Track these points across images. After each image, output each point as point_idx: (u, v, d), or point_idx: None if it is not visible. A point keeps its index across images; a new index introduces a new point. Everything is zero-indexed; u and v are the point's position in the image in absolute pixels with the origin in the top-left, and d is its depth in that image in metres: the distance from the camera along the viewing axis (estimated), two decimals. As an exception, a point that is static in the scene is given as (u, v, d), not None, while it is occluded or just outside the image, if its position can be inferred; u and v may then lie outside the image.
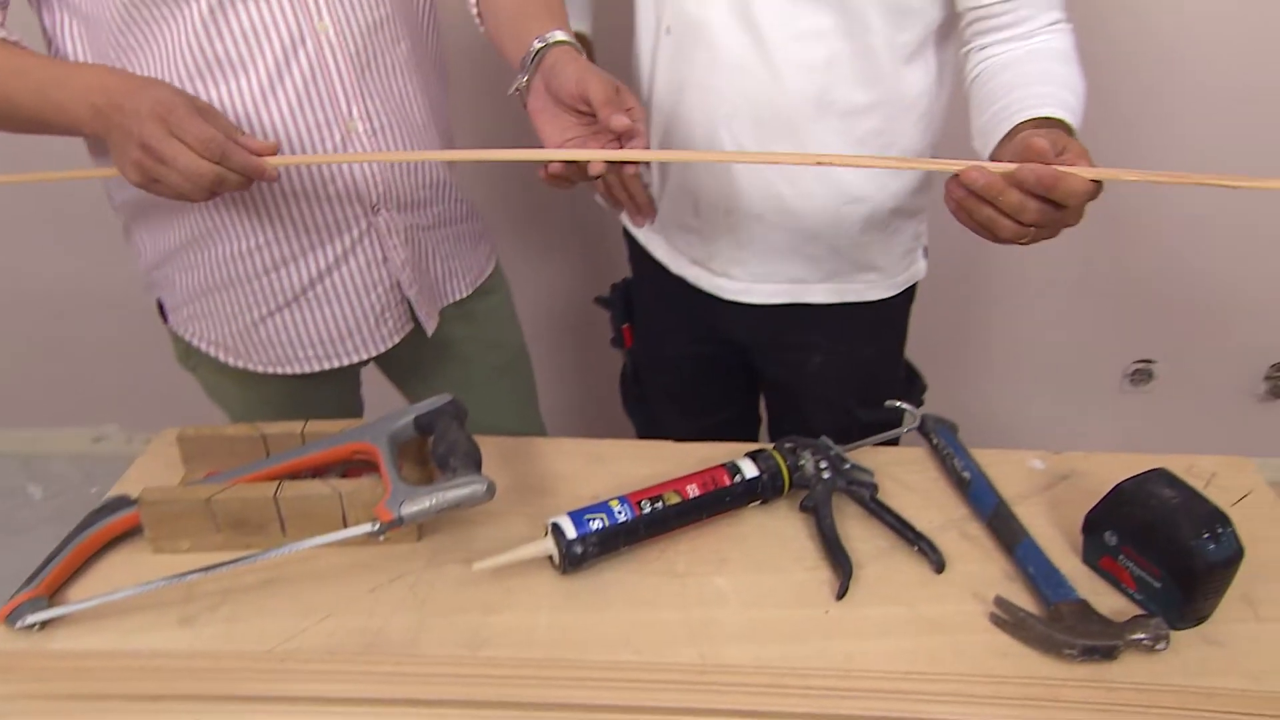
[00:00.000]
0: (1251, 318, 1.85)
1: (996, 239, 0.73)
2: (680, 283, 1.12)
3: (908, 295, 1.14)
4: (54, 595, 0.79)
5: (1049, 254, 1.79)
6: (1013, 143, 0.76)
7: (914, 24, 0.92)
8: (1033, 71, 0.85)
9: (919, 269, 1.13)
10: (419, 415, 0.88)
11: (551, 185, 0.83)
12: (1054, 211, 0.70)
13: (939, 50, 0.96)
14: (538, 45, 0.83)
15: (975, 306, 1.90)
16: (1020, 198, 0.69)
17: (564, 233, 1.87)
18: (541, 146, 0.83)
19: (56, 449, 2.18)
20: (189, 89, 0.84)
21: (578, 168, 0.81)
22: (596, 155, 0.79)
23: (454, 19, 1.06)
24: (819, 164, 0.81)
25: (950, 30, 0.96)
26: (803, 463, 0.89)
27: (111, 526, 0.84)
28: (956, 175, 0.71)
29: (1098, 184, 0.70)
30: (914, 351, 1.24)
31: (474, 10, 0.99)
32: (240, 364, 1.02)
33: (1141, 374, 1.94)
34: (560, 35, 0.83)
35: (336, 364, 1.02)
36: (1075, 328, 1.90)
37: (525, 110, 0.86)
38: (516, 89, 0.86)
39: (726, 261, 1.07)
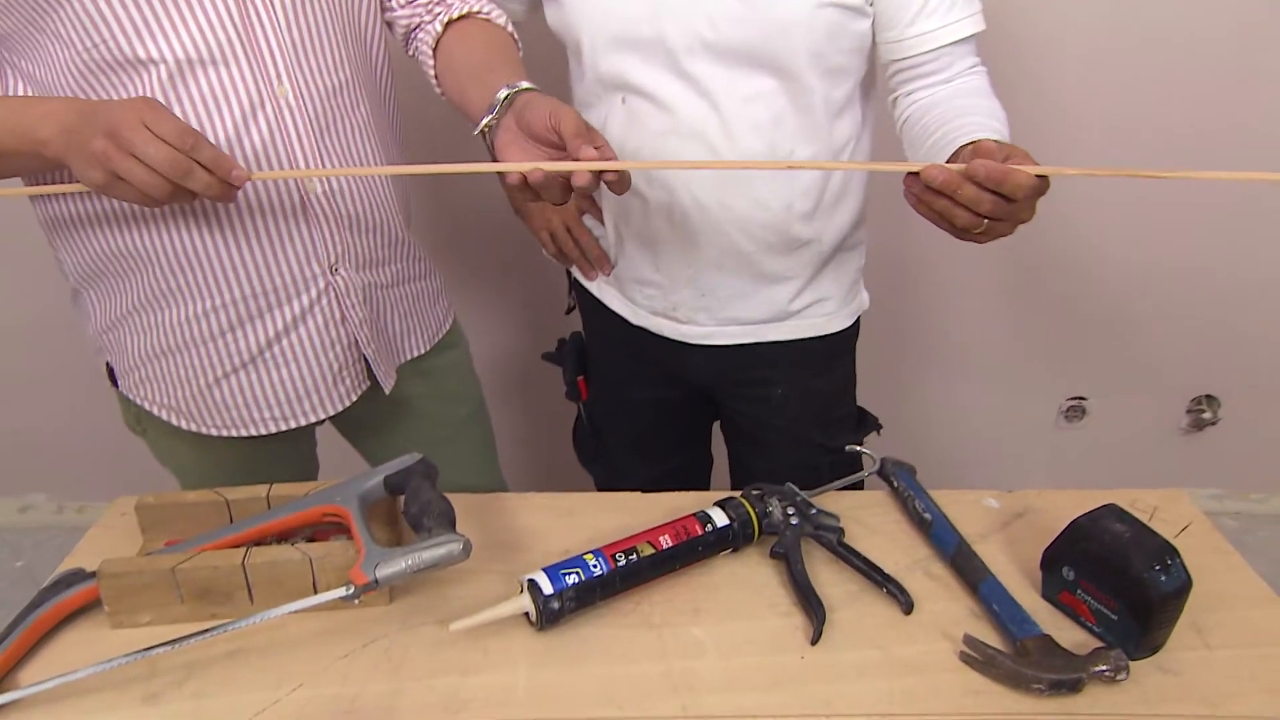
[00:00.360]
0: (1174, 356, 1.95)
1: (954, 227, 0.79)
2: (640, 332, 1.15)
3: (855, 326, 1.19)
4: (4, 678, 0.76)
5: (984, 295, 1.88)
6: (963, 152, 0.83)
7: (845, 80, 0.99)
8: (962, 105, 0.94)
9: (864, 299, 1.19)
10: (389, 475, 0.87)
11: (514, 197, 0.83)
12: (1006, 205, 0.76)
13: (864, 100, 1.04)
14: (507, 91, 0.85)
15: (915, 350, 1.96)
16: (975, 191, 0.75)
17: (513, 286, 1.88)
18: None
19: (-25, 521, 2.09)
20: None
21: (548, 183, 0.79)
22: (563, 167, 0.78)
23: (406, 82, 1.07)
24: (790, 169, 0.86)
25: (872, 81, 1.04)
26: (771, 509, 0.91)
27: (67, 602, 0.81)
28: (917, 173, 0.77)
29: (1044, 180, 0.77)
30: (859, 393, 1.28)
31: (430, 72, 1.01)
32: (194, 428, 1.00)
33: (1075, 410, 2.03)
34: (527, 84, 0.86)
35: (293, 425, 1.01)
36: (1012, 367, 1.98)
37: (491, 149, 0.88)
38: (484, 129, 0.87)
39: (691, 310, 1.10)
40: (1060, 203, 1.71)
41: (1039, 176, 0.75)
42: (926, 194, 0.77)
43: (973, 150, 0.78)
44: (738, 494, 0.94)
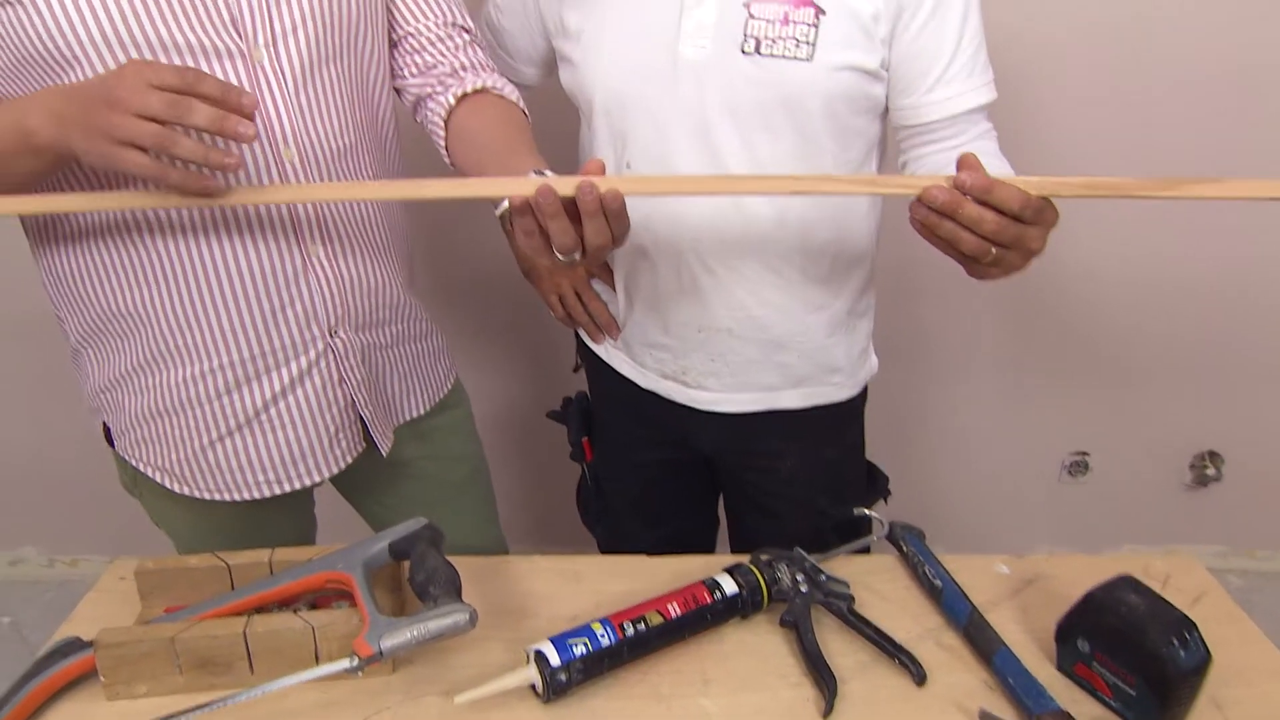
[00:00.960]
0: (1175, 411, 1.95)
1: (962, 255, 0.78)
2: (648, 395, 1.14)
3: (864, 392, 1.18)
4: (-3, 752, 0.75)
5: (986, 350, 1.89)
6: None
7: (858, 142, 1.00)
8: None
9: (873, 364, 1.18)
10: (394, 541, 0.86)
11: (524, 258, 0.80)
12: (1011, 226, 0.75)
13: (876, 162, 1.05)
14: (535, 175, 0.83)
15: (917, 404, 1.96)
16: (976, 210, 0.75)
17: (518, 341, 1.88)
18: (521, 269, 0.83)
19: (-36, 576, 2.06)
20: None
21: (553, 211, 0.76)
22: (572, 181, 0.75)
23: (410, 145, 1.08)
24: (794, 192, 0.83)
25: (884, 143, 1.05)
26: (780, 576, 0.90)
27: (63, 673, 0.79)
28: (919, 197, 0.77)
29: (1050, 208, 0.77)
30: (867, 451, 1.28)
31: (441, 142, 1.00)
32: (188, 491, 0.98)
33: (1078, 465, 2.02)
34: (549, 172, 0.83)
35: (289, 488, 0.99)
36: (1015, 424, 1.98)
37: (510, 232, 0.87)
38: (504, 212, 0.87)
39: (701, 374, 1.09)
40: (1061, 258, 1.74)
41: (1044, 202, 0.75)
42: (931, 218, 0.77)
43: (959, 162, 0.78)
44: (746, 559, 0.93)
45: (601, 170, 0.77)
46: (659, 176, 0.99)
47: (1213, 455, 2.00)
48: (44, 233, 0.91)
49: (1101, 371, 1.92)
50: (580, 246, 0.78)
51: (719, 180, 0.95)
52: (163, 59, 0.80)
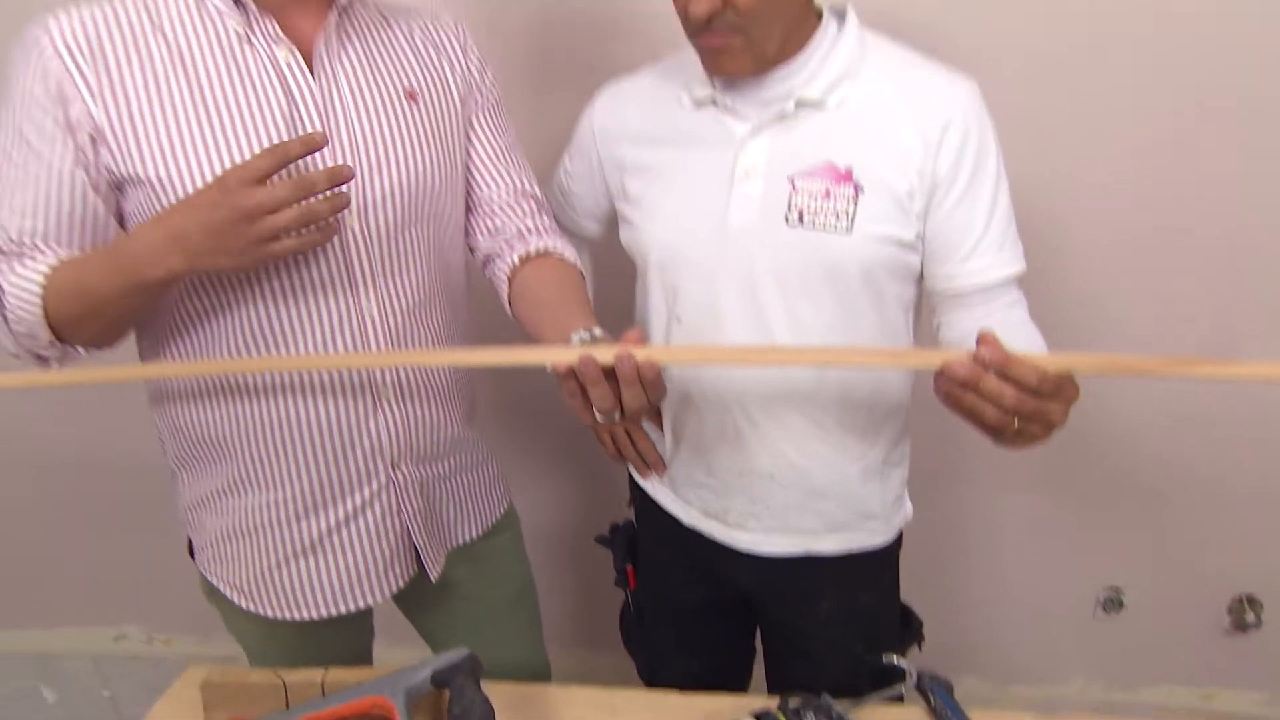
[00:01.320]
0: (1211, 553, 1.81)
1: (986, 427, 0.75)
2: (690, 532, 1.09)
3: (899, 538, 1.12)
4: None
5: (1021, 482, 1.79)
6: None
7: (895, 305, 0.97)
8: (1006, 335, 0.89)
9: (907, 511, 1.12)
10: (436, 670, 0.83)
11: (568, 385, 0.79)
12: (1031, 400, 0.72)
13: (912, 325, 1.02)
14: (578, 337, 0.82)
15: (954, 537, 1.86)
16: (997, 383, 0.71)
17: (569, 461, 1.86)
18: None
19: (74, 649, 2.06)
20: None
21: (594, 377, 0.75)
22: (611, 350, 0.75)
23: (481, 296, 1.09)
24: (822, 364, 0.83)
25: (920, 306, 1.02)
26: (808, 725, 0.83)
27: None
28: (941, 370, 0.74)
29: (1071, 384, 0.73)
30: (902, 589, 1.20)
31: (505, 296, 1.01)
32: (254, 609, 0.97)
33: (1112, 602, 1.88)
34: (599, 331, 0.83)
35: (344, 610, 0.97)
36: (1048, 558, 1.86)
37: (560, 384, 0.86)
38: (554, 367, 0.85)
39: (741, 515, 1.05)
40: (1100, 392, 1.65)
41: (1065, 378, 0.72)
42: (954, 390, 0.74)
43: (978, 339, 0.75)
44: (774, 705, 0.86)
45: (640, 339, 0.76)
46: (693, 347, 0.99)
47: (1251, 600, 1.83)
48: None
49: (1138, 508, 1.79)
50: (619, 408, 0.76)
51: (750, 352, 0.94)
52: None
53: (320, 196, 0.74)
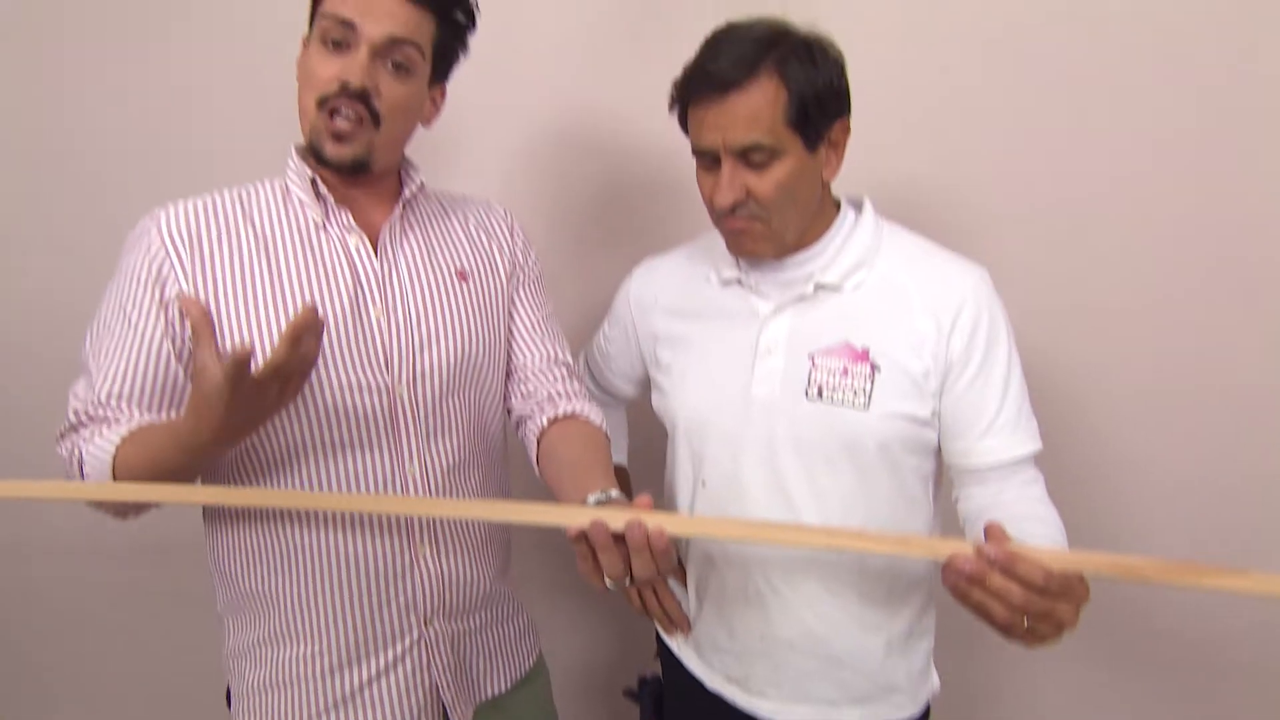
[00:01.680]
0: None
1: (995, 624, 0.73)
2: (713, 696, 1.08)
3: (926, 712, 1.09)
4: None
5: (1059, 651, 1.71)
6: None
7: (913, 477, 0.99)
8: (1018, 512, 0.92)
9: (934, 684, 1.09)
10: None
11: (579, 548, 0.80)
12: (1039, 599, 0.71)
13: (932, 496, 1.03)
14: (594, 498, 0.85)
15: (985, 716, 1.78)
16: (1003, 581, 0.71)
17: (601, 602, 1.84)
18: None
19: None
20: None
21: (604, 543, 0.77)
22: (622, 516, 0.77)
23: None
24: (829, 547, 0.84)
25: (939, 478, 1.03)
26: None
27: None
28: (946, 562, 0.73)
29: (1082, 585, 0.73)
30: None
31: (534, 456, 1.04)
32: None
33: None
34: (615, 493, 0.87)
35: None
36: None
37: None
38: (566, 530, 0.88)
39: (762, 682, 1.04)
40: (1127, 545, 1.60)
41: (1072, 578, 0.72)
42: (960, 584, 0.73)
43: (985, 531, 0.75)
44: None
45: (650, 504, 0.79)
46: (702, 519, 1.01)
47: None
48: (209, 512, 0.98)
49: (1200, 679, 1.70)
50: (629, 575, 0.78)
51: (756, 527, 0.94)
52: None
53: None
